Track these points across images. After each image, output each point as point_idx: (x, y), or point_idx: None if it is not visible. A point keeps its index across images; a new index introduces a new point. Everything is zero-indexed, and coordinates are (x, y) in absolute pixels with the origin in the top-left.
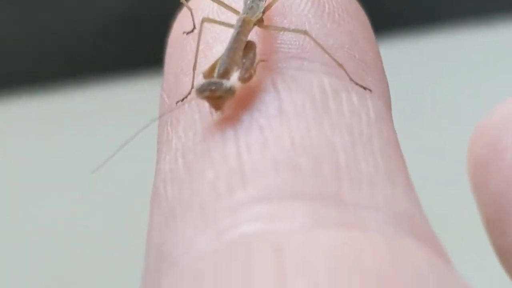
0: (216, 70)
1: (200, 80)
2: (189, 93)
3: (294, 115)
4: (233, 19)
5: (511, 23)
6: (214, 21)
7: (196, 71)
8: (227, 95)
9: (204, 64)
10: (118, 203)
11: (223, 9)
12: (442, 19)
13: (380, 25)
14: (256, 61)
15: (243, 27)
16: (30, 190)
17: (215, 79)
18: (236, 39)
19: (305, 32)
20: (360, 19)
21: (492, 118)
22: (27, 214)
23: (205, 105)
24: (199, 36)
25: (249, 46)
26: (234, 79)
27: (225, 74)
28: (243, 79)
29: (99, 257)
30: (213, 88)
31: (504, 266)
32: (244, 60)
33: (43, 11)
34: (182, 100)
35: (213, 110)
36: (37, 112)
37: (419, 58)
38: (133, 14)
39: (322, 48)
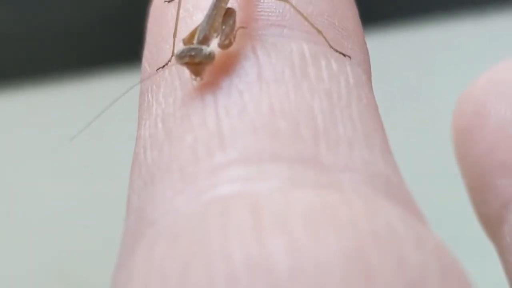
0: (196, 37)
1: (180, 46)
2: (169, 60)
3: (273, 81)
4: None
5: (503, 14)
6: None
7: (176, 39)
8: (206, 61)
9: (185, 32)
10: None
11: None
12: (435, 10)
13: (374, 16)
14: (236, 28)
15: None
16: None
17: (194, 45)
18: (216, 5)
19: (285, 0)
20: None
21: (476, 86)
22: (26, 202)
23: (185, 71)
24: (179, 4)
25: (229, 13)
26: (213, 46)
27: (205, 40)
28: (223, 46)
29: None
30: (193, 54)
31: (487, 233)
32: (223, 27)
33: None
34: (163, 67)
35: (193, 76)
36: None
37: (414, 49)
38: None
39: (302, 15)
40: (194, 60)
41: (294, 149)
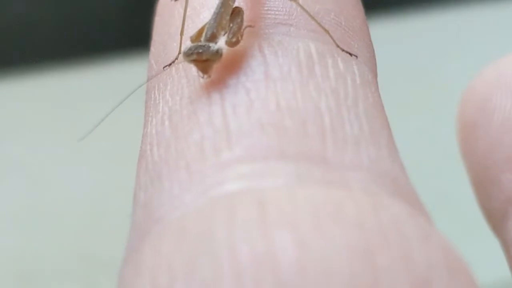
0: (204, 34)
1: (187, 44)
2: (176, 58)
3: (280, 79)
4: None
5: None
6: None
7: (183, 37)
8: (214, 58)
9: (192, 30)
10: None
11: None
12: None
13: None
14: (243, 26)
15: None
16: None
17: (202, 42)
18: (224, 4)
19: None
20: None
21: (481, 80)
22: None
23: (192, 69)
24: (186, 2)
25: (237, 12)
26: (221, 43)
27: (212, 38)
28: (230, 43)
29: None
30: (200, 51)
31: (491, 227)
32: (231, 25)
33: None
34: (170, 65)
35: (200, 74)
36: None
37: (426, 36)
38: None
39: (309, 14)
40: (201, 57)
41: (300, 147)
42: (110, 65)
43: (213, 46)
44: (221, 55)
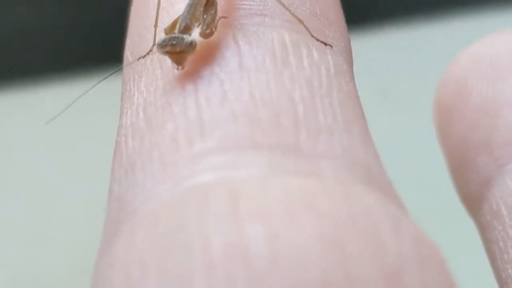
0: (177, 26)
1: (161, 36)
2: (151, 50)
3: (254, 69)
4: None
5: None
6: None
7: (158, 28)
8: (188, 50)
9: (167, 21)
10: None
11: None
12: (436, 8)
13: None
14: (217, 17)
15: None
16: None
17: (176, 34)
18: None
19: None
20: None
21: (457, 65)
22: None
23: (167, 60)
24: None
25: (210, 3)
26: (195, 35)
27: (186, 29)
28: (204, 35)
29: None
30: (174, 43)
31: (468, 211)
32: (205, 16)
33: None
34: (144, 56)
35: (174, 65)
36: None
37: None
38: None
39: (283, 5)
40: (175, 49)
41: (274, 137)
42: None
43: (187, 38)
44: (195, 46)
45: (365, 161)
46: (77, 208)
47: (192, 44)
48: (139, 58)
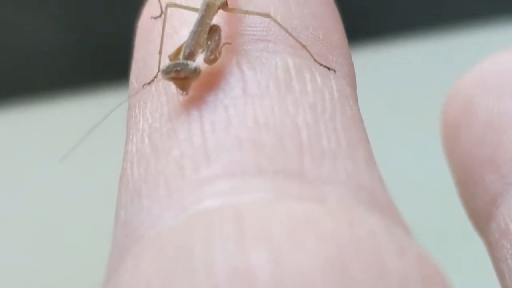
0: (182, 52)
1: (166, 62)
2: (156, 76)
3: (258, 95)
4: (199, 3)
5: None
6: (179, 6)
7: (162, 55)
8: (192, 76)
9: (172, 47)
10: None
11: None
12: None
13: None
14: (221, 43)
15: (207, 11)
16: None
17: (180, 60)
18: (201, 22)
19: (268, 15)
20: (325, 2)
21: (465, 80)
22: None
23: (172, 86)
24: (164, 21)
25: (214, 29)
26: (199, 61)
27: (190, 56)
28: (208, 61)
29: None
30: (179, 69)
31: (476, 228)
32: (209, 42)
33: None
34: (149, 83)
35: (179, 91)
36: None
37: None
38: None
39: (286, 30)
40: (179, 75)
41: (278, 162)
42: (115, 94)
43: (191, 64)
44: (199, 73)
45: (369, 185)
46: (83, 232)
47: (196, 70)
48: (144, 84)
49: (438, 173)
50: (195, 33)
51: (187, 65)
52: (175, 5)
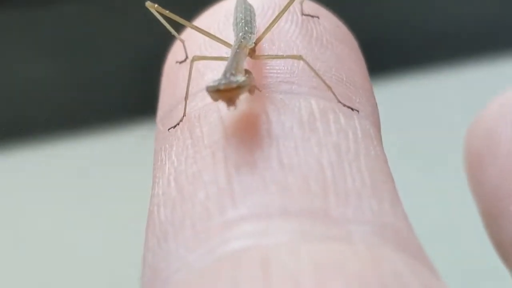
0: (223, 75)
1: (210, 80)
2: (181, 120)
3: (282, 136)
4: (222, 53)
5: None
6: (204, 58)
7: (187, 101)
8: (243, 85)
9: (197, 92)
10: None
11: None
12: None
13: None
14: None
15: (240, 49)
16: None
17: (226, 75)
18: (236, 55)
19: (300, 57)
20: (348, 43)
21: (487, 112)
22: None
23: (201, 125)
24: (190, 71)
25: (247, 71)
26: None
27: (233, 75)
28: (250, 86)
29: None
30: (228, 81)
31: (502, 259)
32: (247, 75)
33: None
34: (175, 126)
35: (227, 105)
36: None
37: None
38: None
39: (315, 71)
40: (231, 86)
41: (303, 203)
42: (126, 131)
43: (240, 77)
44: (249, 84)
45: (394, 225)
46: (108, 275)
47: (246, 82)
48: (169, 128)
49: (464, 207)
50: (233, 61)
51: (235, 76)
52: (201, 58)
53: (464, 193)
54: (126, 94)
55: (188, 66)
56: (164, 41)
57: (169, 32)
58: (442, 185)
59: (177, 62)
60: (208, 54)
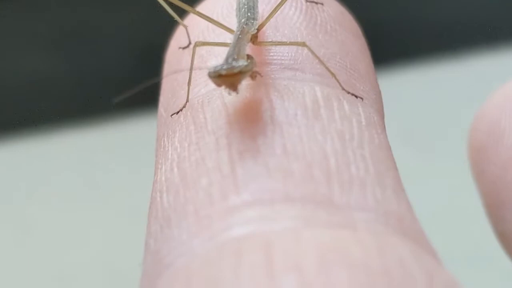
0: (225, 60)
1: (211, 65)
2: (184, 106)
3: (286, 123)
4: (225, 39)
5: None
6: (207, 43)
7: (190, 86)
8: (245, 70)
9: (200, 78)
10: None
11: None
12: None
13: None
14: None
15: (242, 34)
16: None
17: (228, 61)
18: (238, 40)
19: (303, 44)
20: (352, 30)
21: (490, 104)
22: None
23: (204, 110)
24: (193, 57)
25: (249, 56)
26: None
27: (235, 61)
28: (252, 71)
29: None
30: (230, 66)
31: (505, 250)
32: (249, 60)
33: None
34: (177, 112)
35: (229, 91)
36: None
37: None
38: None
39: (319, 59)
40: (233, 70)
41: (307, 190)
42: (125, 122)
43: (242, 61)
44: (251, 69)
45: (398, 212)
46: (110, 261)
47: (248, 66)
48: (172, 114)
49: (466, 196)
50: (235, 47)
51: (237, 61)
52: (204, 43)
53: (467, 181)
54: (126, 85)
55: (191, 52)
56: (164, 31)
57: (171, 20)
58: (445, 174)
59: (180, 47)
60: (211, 40)
